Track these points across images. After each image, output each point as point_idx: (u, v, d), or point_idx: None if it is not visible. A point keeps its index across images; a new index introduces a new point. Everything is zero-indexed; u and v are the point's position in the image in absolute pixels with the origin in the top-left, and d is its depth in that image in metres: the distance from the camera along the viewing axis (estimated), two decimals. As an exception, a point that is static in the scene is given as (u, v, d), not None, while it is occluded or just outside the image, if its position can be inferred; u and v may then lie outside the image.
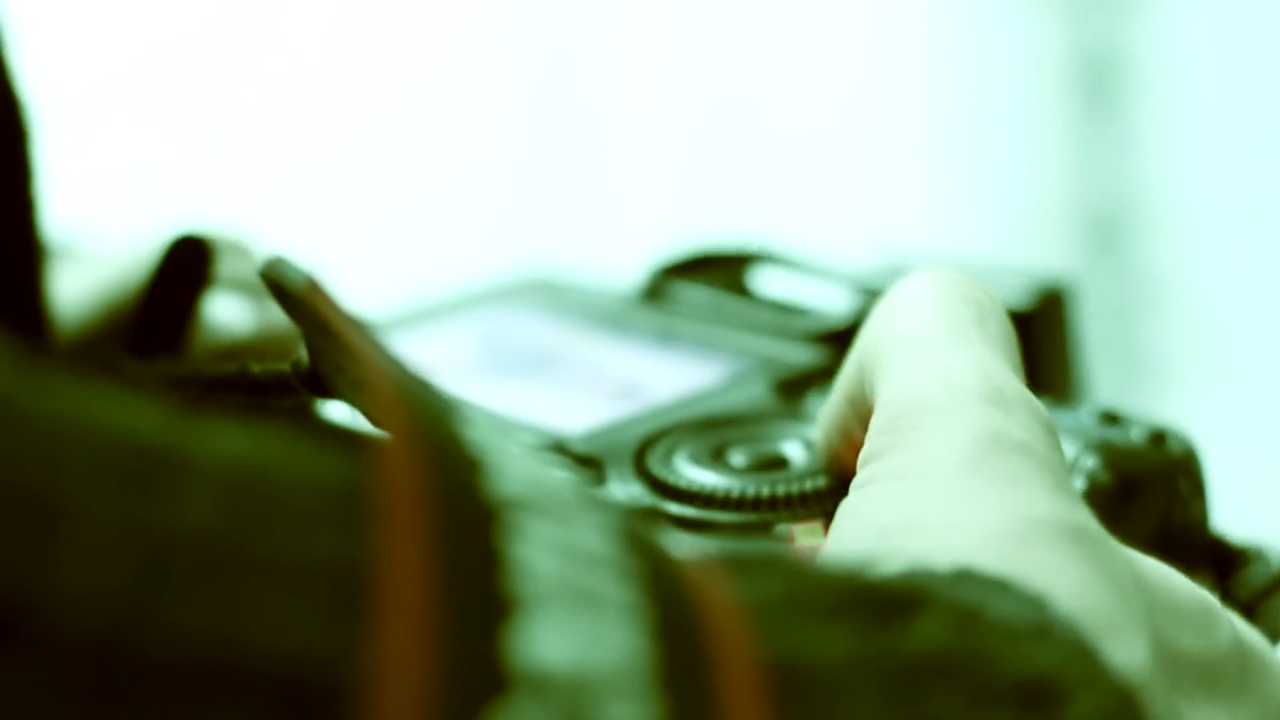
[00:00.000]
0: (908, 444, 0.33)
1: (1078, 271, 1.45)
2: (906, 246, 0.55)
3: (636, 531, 0.27)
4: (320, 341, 0.35)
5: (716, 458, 0.44)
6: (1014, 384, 0.34)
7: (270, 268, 0.33)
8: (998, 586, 0.30)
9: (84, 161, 1.19)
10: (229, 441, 0.25)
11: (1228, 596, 0.41)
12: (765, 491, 0.41)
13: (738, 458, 0.43)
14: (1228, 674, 0.34)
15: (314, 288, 0.31)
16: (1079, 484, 0.41)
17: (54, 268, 0.52)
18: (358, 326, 0.30)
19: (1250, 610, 0.41)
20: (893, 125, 1.48)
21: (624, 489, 0.43)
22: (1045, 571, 0.31)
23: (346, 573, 0.24)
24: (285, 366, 0.40)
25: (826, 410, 0.40)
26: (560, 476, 0.27)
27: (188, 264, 0.47)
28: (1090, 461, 0.41)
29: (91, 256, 0.55)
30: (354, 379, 0.32)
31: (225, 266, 0.51)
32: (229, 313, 0.51)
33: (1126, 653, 0.30)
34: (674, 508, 0.42)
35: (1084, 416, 0.43)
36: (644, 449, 0.44)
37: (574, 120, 1.46)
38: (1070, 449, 0.41)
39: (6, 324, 0.43)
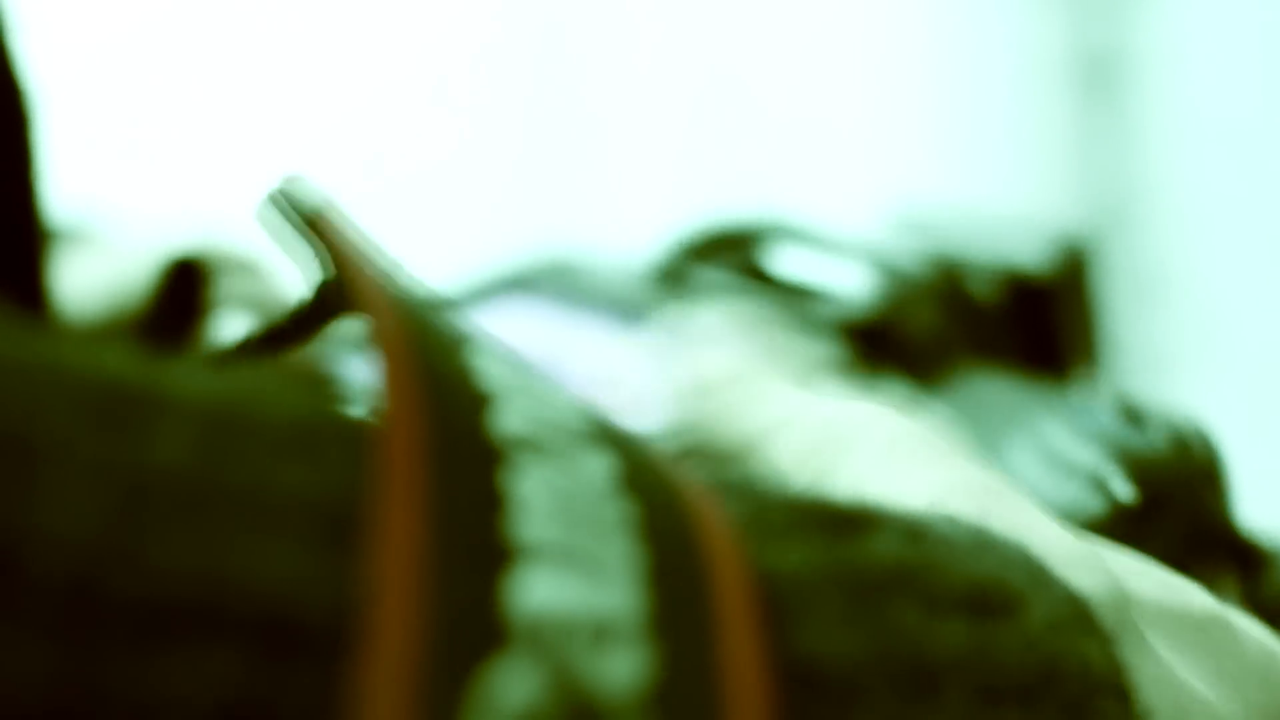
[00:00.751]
0: (829, 469, 0.35)
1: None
2: (923, 205, 0.54)
3: (642, 464, 0.26)
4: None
5: None
6: (872, 403, 0.36)
7: (283, 190, 0.32)
8: (952, 516, 0.30)
9: (88, 147, 1.19)
10: (206, 380, 0.25)
11: (1250, 598, 0.41)
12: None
13: None
14: (1213, 631, 0.33)
15: (323, 213, 0.31)
16: (1102, 496, 0.41)
17: (61, 252, 0.52)
18: (369, 254, 0.29)
19: (1274, 613, 0.41)
20: (890, 116, 1.48)
21: None
22: (996, 516, 0.31)
23: (330, 508, 0.24)
24: (299, 308, 0.40)
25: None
26: (570, 408, 0.27)
27: (184, 291, 0.47)
28: (1114, 474, 0.41)
29: (99, 245, 0.54)
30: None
31: (232, 285, 0.50)
32: (235, 334, 0.50)
33: (1087, 576, 0.31)
34: None
35: (1102, 413, 0.43)
36: None
37: (573, 92, 1.46)
38: (1090, 455, 0.41)
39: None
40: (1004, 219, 0.53)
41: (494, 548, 0.24)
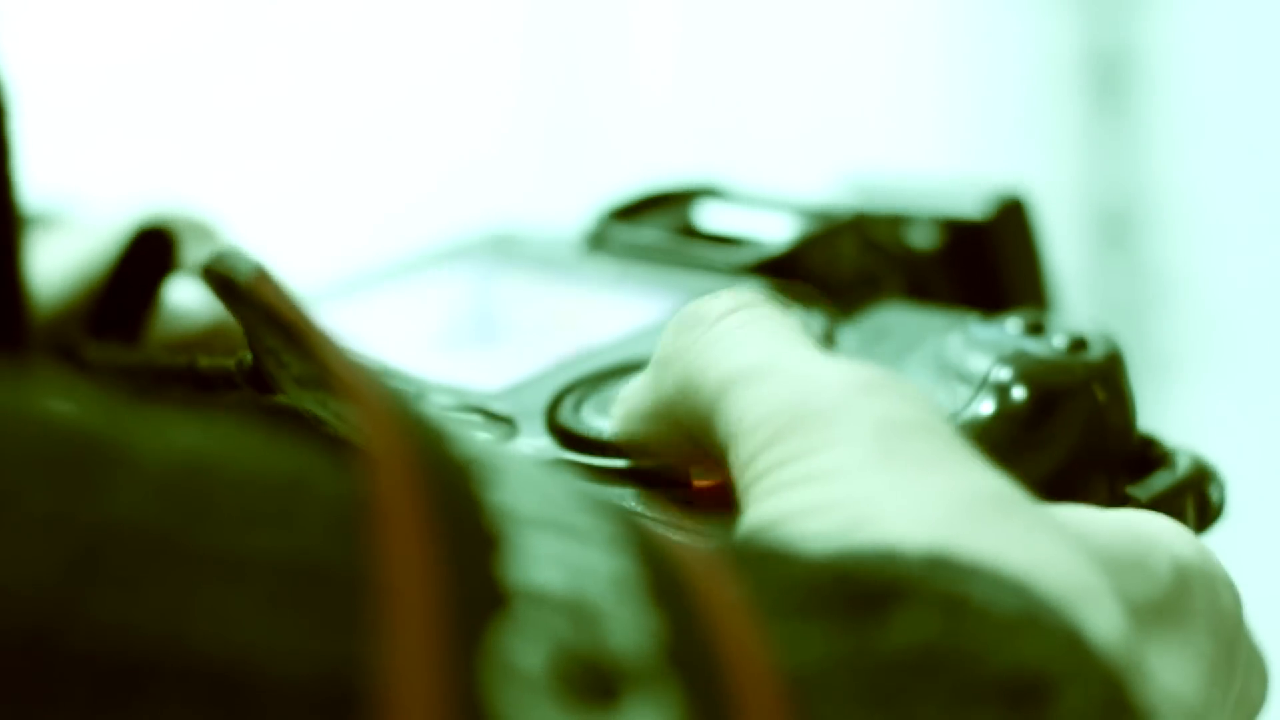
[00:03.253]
0: (808, 449, 0.32)
1: (1087, 266, 1.45)
2: (864, 172, 0.54)
3: (658, 563, 0.26)
4: (265, 338, 0.35)
5: None
6: (868, 369, 0.34)
7: (217, 261, 0.32)
8: (974, 572, 0.29)
9: (62, 135, 1.20)
10: (168, 433, 0.24)
11: (1125, 501, 0.40)
12: None
13: None
14: (1173, 603, 0.33)
15: (263, 280, 0.30)
16: (993, 400, 0.40)
17: (35, 236, 0.53)
18: (308, 318, 0.29)
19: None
20: (902, 119, 1.48)
21: (533, 443, 0.42)
22: (1011, 548, 0.30)
23: (300, 573, 0.23)
24: (230, 363, 0.40)
25: (636, 412, 0.38)
26: (577, 502, 0.26)
27: (150, 253, 0.47)
28: (1004, 374, 0.40)
29: (72, 226, 0.55)
30: (305, 373, 0.32)
31: (191, 252, 0.51)
32: (190, 300, 0.51)
33: (1105, 620, 0.30)
34: (580, 458, 0.41)
35: (1009, 327, 0.42)
36: (557, 402, 0.44)
37: (582, 101, 1.46)
38: (984, 363, 0.40)
39: None
40: (946, 178, 0.53)
41: (500, 652, 0.23)
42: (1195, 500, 0.40)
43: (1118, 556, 0.33)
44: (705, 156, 1.43)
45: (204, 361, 0.41)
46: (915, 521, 0.30)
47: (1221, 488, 0.41)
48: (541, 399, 0.44)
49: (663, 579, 0.25)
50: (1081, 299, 1.41)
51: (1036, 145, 1.47)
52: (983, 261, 0.50)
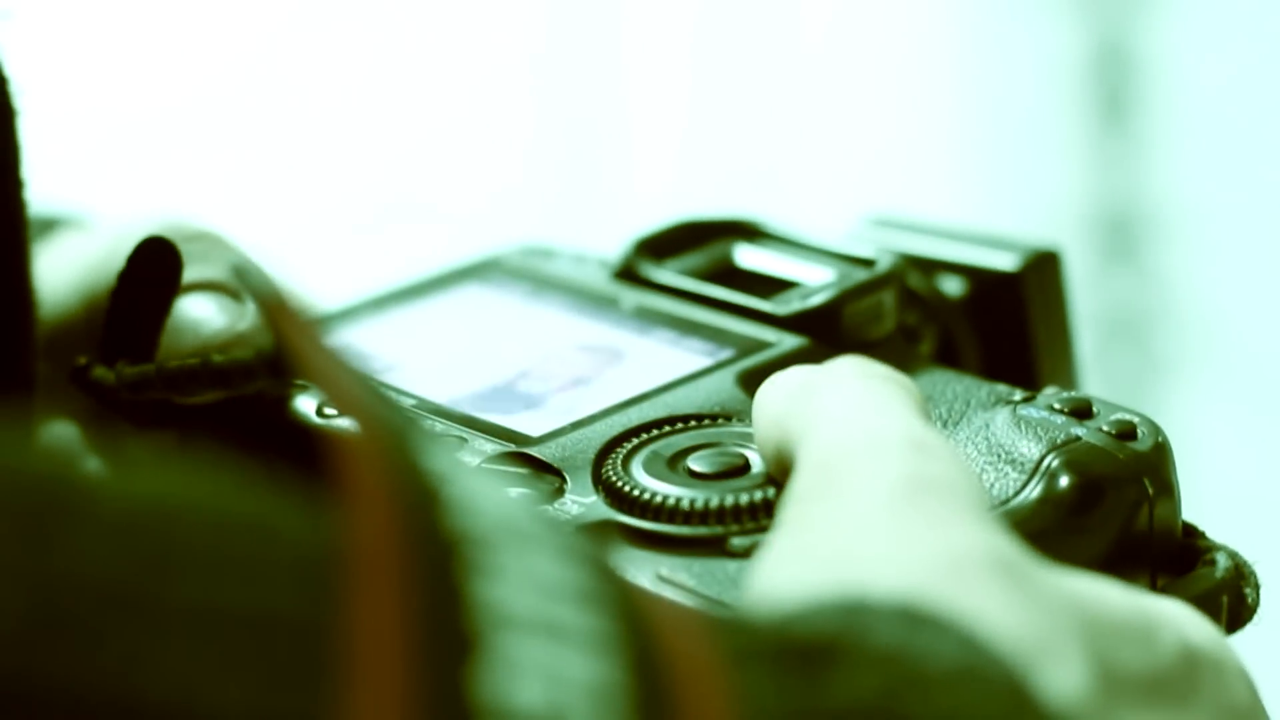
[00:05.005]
0: (837, 489, 0.34)
1: (1093, 275, 1.46)
2: (892, 215, 0.54)
3: (626, 615, 0.26)
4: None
5: (675, 464, 0.43)
6: (933, 436, 0.35)
7: (240, 274, 0.32)
8: (928, 623, 0.30)
9: (71, 142, 1.20)
10: (130, 479, 0.24)
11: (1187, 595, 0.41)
12: (716, 502, 0.41)
13: (699, 463, 0.43)
14: (1174, 682, 0.33)
15: (279, 302, 0.30)
16: (1040, 486, 0.41)
17: (47, 242, 0.52)
18: (321, 342, 0.29)
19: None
20: (908, 128, 1.48)
21: (581, 500, 0.42)
22: (975, 603, 0.31)
23: (253, 620, 0.23)
24: (249, 354, 0.40)
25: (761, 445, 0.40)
26: (516, 503, 0.26)
27: (156, 265, 0.47)
28: (1056, 462, 0.41)
29: (78, 232, 0.54)
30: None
31: (199, 265, 0.50)
32: (201, 312, 0.50)
33: (1060, 678, 0.30)
34: (629, 520, 0.41)
35: (1054, 404, 0.42)
36: (603, 454, 0.44)
37: (599, 140, 1.46)
38: (1035, 448, 0.41)
39: None
40: (972, 226, 0.53)
41: (474, 709, 0.23)
42: (1231, 600, 0.40)
43: (1119, 625, 0.33)
44: (722, 189, 1.43)
45: (218, 357, 0.40)
46: (893, 574, 0.31)
47: (1257, 588, 0.41)
48: (587, 450, 0.44)
49: (646, 684, 0.25)
50: (1087, 307, 1.41)
51: (1043, 154, 1.47)
52: (1011, 313, 0.50)
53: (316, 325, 0.29)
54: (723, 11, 1.48)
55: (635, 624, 0.26)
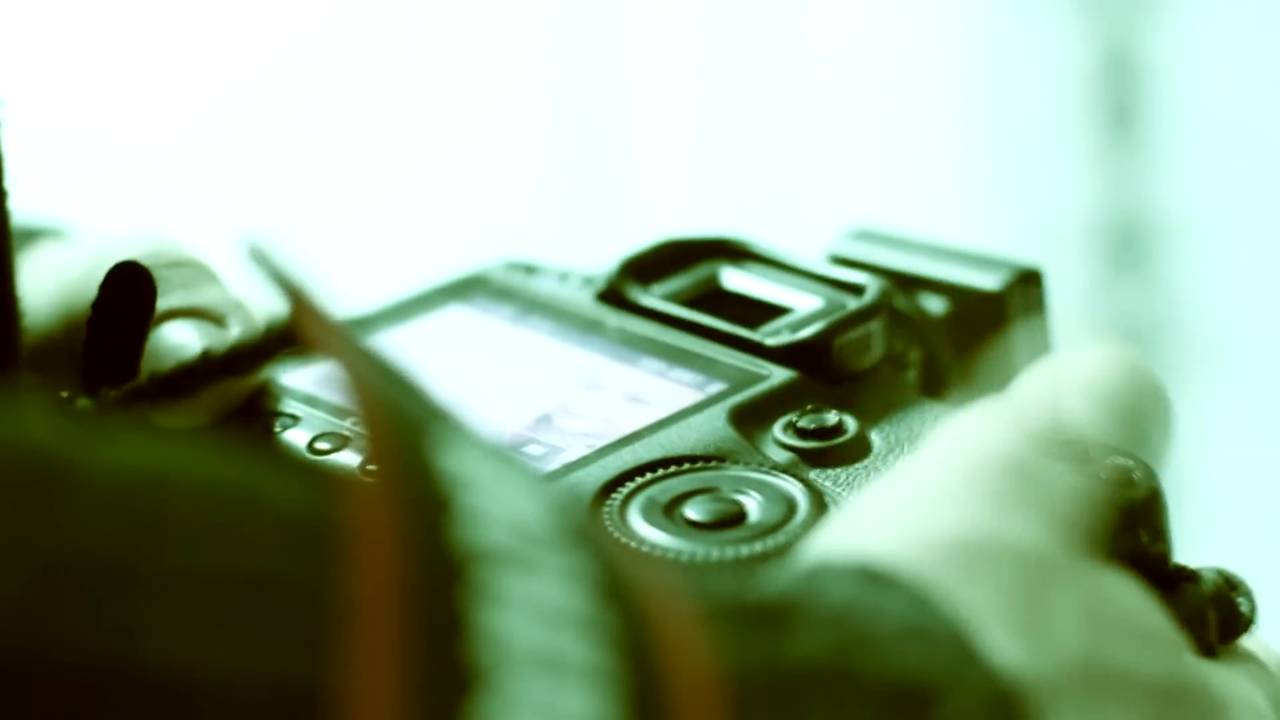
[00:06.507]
0: (934, 439, 0.34)
1: (1101, 284, 1.45)
2: (873, 228, 0.54)
3: (610, 566, 0.26)
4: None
5: (671, 512, 0.42)
6: (1070, 439, 0.35)
7: (256, 256, 0.32)
8: (881, 582, 0.30)
9: (54, 151, 1.20)
10: (124, 452, 0.24)
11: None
12: (716, 557, 0.40)
13: (696, 511, 0.42)
14: (1192, 701, 0.33)
15: (296, 284, 0.30)
16: None
17: (27, 254, 0.52)
18: (339, 328, 0.29)
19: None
20: (915, 136, 1.48)
21: None
22: (954, 583, 0.31)
23: (244, 582, 0.23)
24: (255, 336, 0.40)
25: None
26: (536, 507, 0.27)
27: (128, 296, 0.46)
28: None
29: (60, 245, 0.54)
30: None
31: (180, 291, 0.50)
32: (182, 338, 0.50)
33: (1021, 649, 0.30)
34: None
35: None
36: (599, 500, 0.43)
37: (591, 157, 1.46)
38: None
39: None
40: (953, 243, 0.52)
41: (461, 675, 0.24)
42: (1221, 613, 0.39)
43: (1134, 624, 0.33)
44: (706, 200, 1.43)
45: (217, 349, 0.40)
46: (892, 538, 0.31)
47: (1250, 596, 0.41)
48: (581, 497, 0.43)
49: (645, 713, 0.25)
50: (1095, 317, 1.41)
51: (1050, 163, 1.47)
52: (992, 332, 0.50)
53: (334, 311, 0.29)
54: (727, 19, 1.48)
55: (634, 647, 0.26)
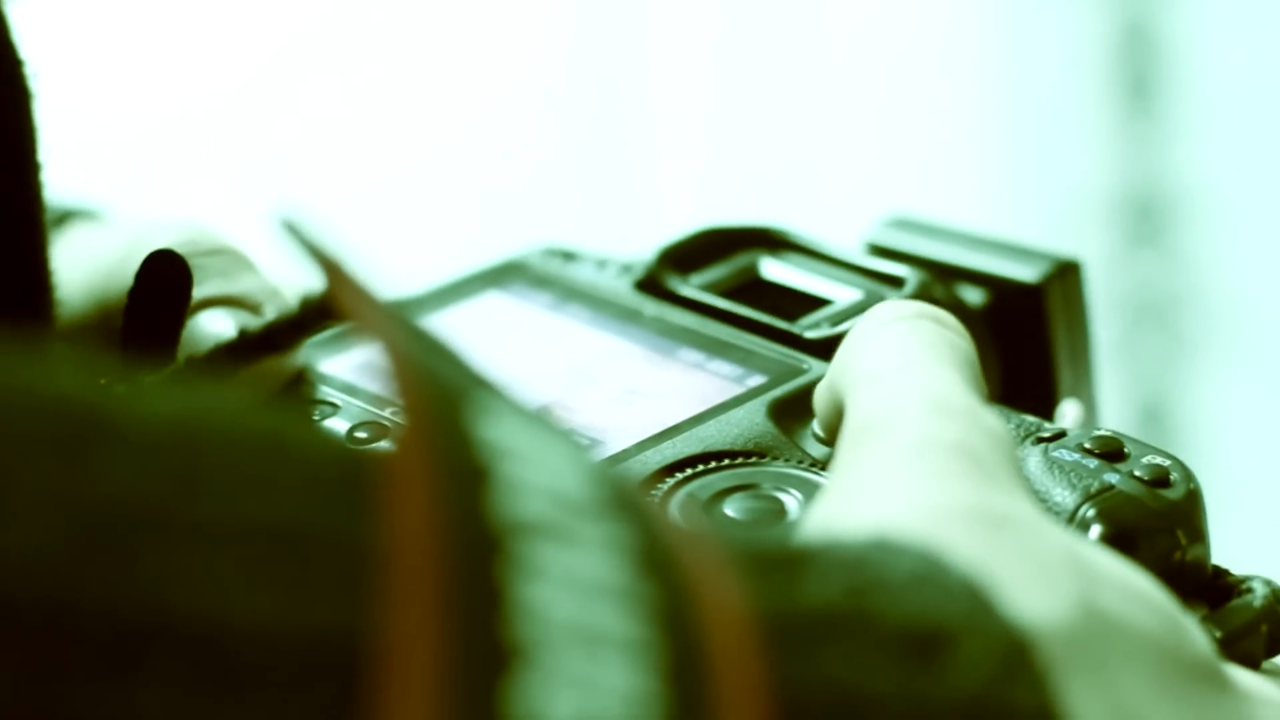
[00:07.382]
0: (859, 455, 0.35)
1: (1118, 260, 1.45)
2: (910, 216, 0.53)
3: (649, 532, 0.26)
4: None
5: (711, 509, 0.43)
6: (960, 397, 0.36)
7: (290, 228, 0.32)
8: (891, 544, 0.30)
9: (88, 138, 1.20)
10: (157, 403, 0.25)
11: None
12: None
13: (735, 509, 0.42)
14: (1197, 683, 0.33)
15: (331, 256, 0.30)
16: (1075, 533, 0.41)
17: (61, 234, 0.52)
18: (376, 299, 0.29)
19: (1227, 649, 0.40)
20: (932, 115, 1.48)
21: None
22: (957, 543, 0.31)
23: (277, 532, 0.24)
24: (292, 311, 0.40)
25: (819, 415, 0.42)
26: (577, 474, 0.27)
27: (164, 285, 0.46)
28: (1088, 513, 0.41)
29: (94, 229, 0.53)
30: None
31: (217, 280, 0.50)
32: (219, 327, 0.50)
33: (1030, 602, 0.31)
34: None
35: (1085, 444, 0.42)
36: None
37: (619, 144, 1.46)
38: (1069, 497, 0.41)
39: (8, 290, 0.43)
40: (992, 234, 0.52)
41: (500, 649, 0.24)
42: (1271, 627, 0.40)
43: (1127, 584, 0.33)
44: (749, 184, 1.43)
45: (252, 327, 0.40)
46: (877, 516, 0.32)
47: None
48: None
49: (684, 693, 0.25)
50: (1114, 291, 1.41)
51: (1068, 139, 1.47)
52: (1032, 325, 0.50)
53: (369, 282, 0.29)
54: (746, 1, 1.47)
55: (673, 618, 0.26)
